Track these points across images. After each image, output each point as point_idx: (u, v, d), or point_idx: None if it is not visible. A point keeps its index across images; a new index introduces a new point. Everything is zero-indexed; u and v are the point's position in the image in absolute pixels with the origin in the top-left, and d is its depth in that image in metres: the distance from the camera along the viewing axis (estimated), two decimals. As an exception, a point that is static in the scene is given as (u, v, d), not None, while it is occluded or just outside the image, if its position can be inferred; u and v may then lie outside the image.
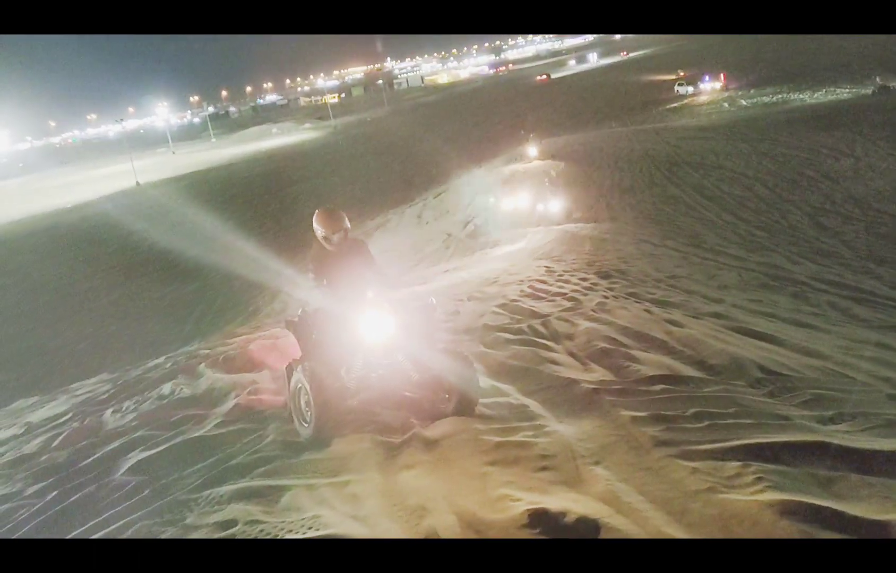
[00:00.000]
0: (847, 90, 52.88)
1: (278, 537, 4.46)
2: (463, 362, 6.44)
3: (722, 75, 70.43)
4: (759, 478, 4.16)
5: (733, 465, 4.42)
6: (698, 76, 72.27)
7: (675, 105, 65.61)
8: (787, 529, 3.59)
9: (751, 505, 3.85)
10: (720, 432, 5.17)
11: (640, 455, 4.97)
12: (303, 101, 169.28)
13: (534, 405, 6.52)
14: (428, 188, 39.89)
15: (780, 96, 56.73)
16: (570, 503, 4.28)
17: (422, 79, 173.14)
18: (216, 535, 4.66)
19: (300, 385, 6.41)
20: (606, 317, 10.74)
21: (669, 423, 5.49)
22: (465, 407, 6.28)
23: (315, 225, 6.70)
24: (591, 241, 22.07)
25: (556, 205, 27.15)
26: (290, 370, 6.81)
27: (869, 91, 49.57)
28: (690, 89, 70.28)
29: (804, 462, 4.48)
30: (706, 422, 5.42)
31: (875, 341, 10.06)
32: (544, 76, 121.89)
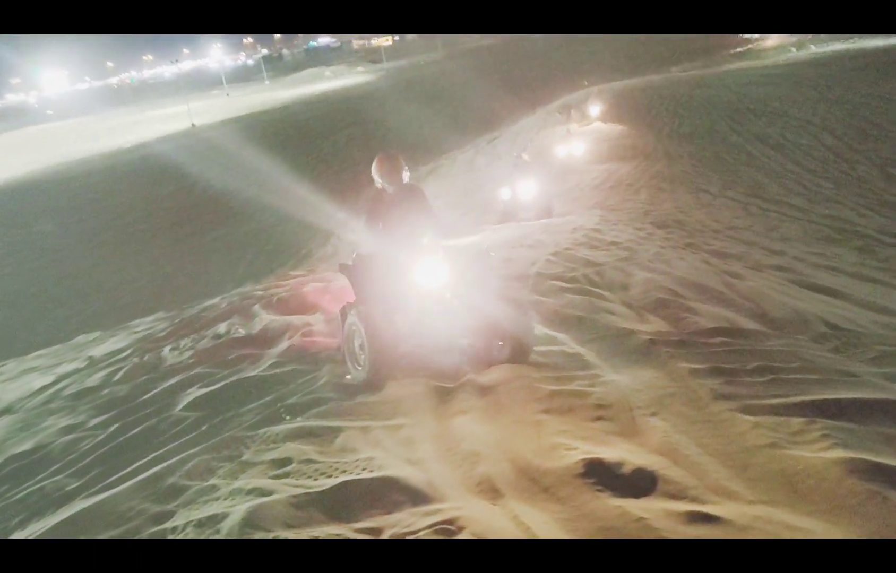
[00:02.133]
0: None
1: (332, 476, 4.51)
2: (518, 309, 6.38)
3: None
4: (826, 435, 4.03)
5: (797, 421, 4.30)
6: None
7: (739, 49, 63.48)
8: (854, 487, 3.48)
9: (816, 462, 3.74)
10: (783, 387, 5.03)
11: (698, 408, 4.87)
12: (356, 44, 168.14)
13: (589, 354, 6.45)
14: (481, 134, 39.48)
15: (852, 41, 54.32)
16: (626, 454, 4.22)
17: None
18: (272, 473, 4.73)
19: (354, 328, 6.43)
20: (663, 268, 10.55)
21: (729, 377, 5.37)
22: (519, 354, 6.24)
23: (374, 171, 6.72)
24: (646, 190, 21.63)
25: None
26: (344, 313, 6.84)
27: (948, 35, 47.12)
28: (755, 35, 67.85)
29: (872, 420, 4.33)
30: (768, 377, 5.27)
31: (947, 298, 9.69)
32: None
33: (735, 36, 68.66)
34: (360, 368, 6.42)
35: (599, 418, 4.93)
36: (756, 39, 65.84)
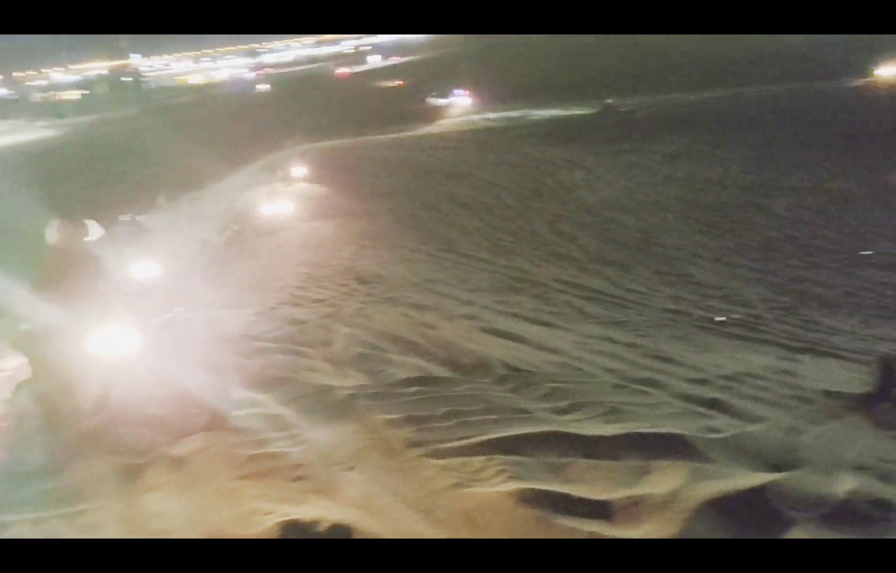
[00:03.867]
0: (579, 108, 57.91)
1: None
2: (214, 374, 6.21)
3: (466, 91, 73.59)
4: (501, 470, 4.43)
5: (478, 460, 4.67)
6: (448, 88, 75.16)
7: (429, 116, 67.96)
8: (525, 515, 3.86)
9: (493, 496, 4.09)
10: (468, 429, 5.43)
11: (393, 457, 5.09)
12: (37, 96, 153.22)
13: (290, 414, 6.44)
14: (181, 192, 37.91)
15: (523, 111, 60.77)
16: (323, 511, 4.28)
17: (173, 79, 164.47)
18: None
19: (28, 408, 5.81)
20: (364, 323, 10.90)
21: (421, 424, 5.67)
22: (216, 421, 6.05)
23: (50, 237, 6.19)
24: (350, 247, 22.23)
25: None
26: (17, 392, 6.16)
27: (596, 110, 54.80)
28: (443, 102, 73.10)
29: (540, 451, 4.84)
30: (455, 421, 5.66)
31: (603, 336, 11.11)
32: (347, 71, 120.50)
33: (424, 103, 73.30)
34: (35, 453, 5.79)
35: (298, 478, 4.95)
36: (442, 107, 70.88)
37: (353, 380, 7.67)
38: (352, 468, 4.96)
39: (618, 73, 69.74)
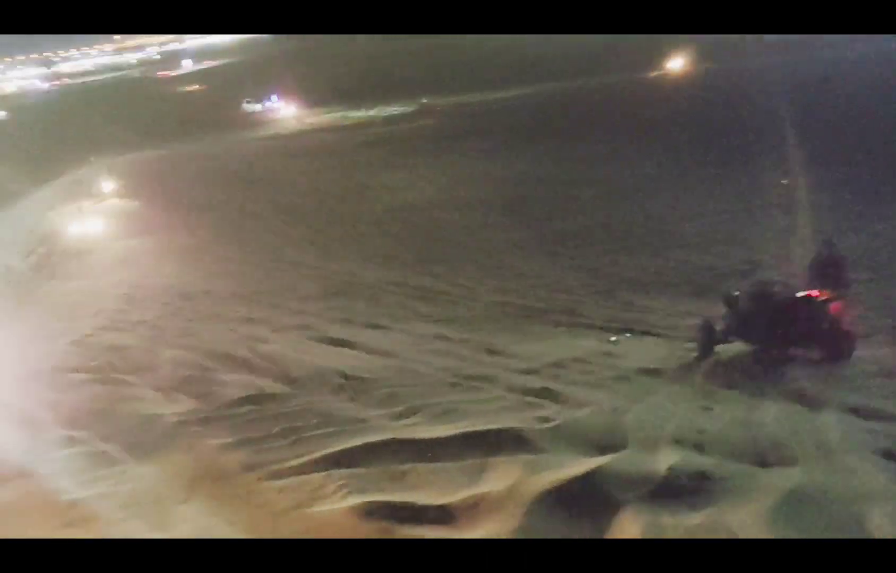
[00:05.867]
0: (396, 107, 58.35)
1: None
2: (27, 413, 5.75)
3: (283, 94, 71.79)
4: (342, 485, 4.42)
5: (318, 477, 4.63)
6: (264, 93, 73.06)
7: (245, 122, 66.00)
8: (368, 529, 3.88)
9: (335, 513, 4.07)
10: (305, 445, 5.36)
11: (228, 484, 4.94)
12: None
13: (115, 450, 6.07)
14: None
15: (341, 113, 60.44)
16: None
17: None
18: None
19: None
20: (191, 342, 10.51)
21: (257, 445, 5.54)
22: (31, 466, 5.59)
23: None
24: (171, 263, 21.22)
25: None
26: None
27: (412, 108, 55.52)
28: (259, 107, 71.05)
29: (380, 460, 4.87)
30: (292, 438, 5.58)
31: (436, 334, 11.30)
32: (167, 72, 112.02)
33: (238, 109, 70.80)
34: None
35: (129, 517, 4.68)
36: (258, 113, 68.79)
37: (181, 405, 7.35)
38: (185, 501, 4.76)
39: (429, 73, 71.18)
